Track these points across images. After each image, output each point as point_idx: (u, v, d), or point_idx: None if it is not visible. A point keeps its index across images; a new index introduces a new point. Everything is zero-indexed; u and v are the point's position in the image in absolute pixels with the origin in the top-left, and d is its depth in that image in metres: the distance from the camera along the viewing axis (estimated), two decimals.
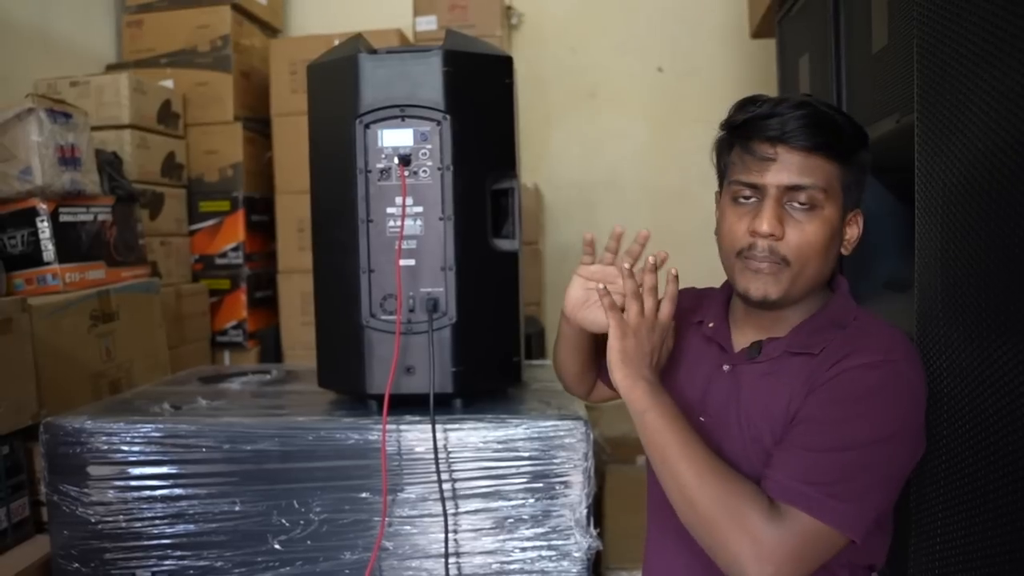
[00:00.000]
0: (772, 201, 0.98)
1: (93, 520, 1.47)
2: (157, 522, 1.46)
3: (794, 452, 0.94)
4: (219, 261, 3.09)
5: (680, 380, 1.13)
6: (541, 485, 1.40)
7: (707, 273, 1.16)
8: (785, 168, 0.97)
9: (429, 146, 1.42)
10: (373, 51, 1.45)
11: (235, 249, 3.08)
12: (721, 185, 1.09)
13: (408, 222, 1.43)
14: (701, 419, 1.07)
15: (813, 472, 0.91)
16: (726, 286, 1.14)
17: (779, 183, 0.97)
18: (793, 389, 0.99)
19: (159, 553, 1.46)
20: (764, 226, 0.97)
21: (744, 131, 1.00)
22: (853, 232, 1.04)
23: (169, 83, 3.03)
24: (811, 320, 1.03)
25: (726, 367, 1.07)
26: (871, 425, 0.93)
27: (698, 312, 1.16)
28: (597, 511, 1.53)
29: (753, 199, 1.00)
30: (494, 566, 1.42)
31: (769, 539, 0.88)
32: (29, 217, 2.03)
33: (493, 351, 1.51)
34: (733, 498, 0.90)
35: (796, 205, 0.98)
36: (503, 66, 1.51)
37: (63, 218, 2.08)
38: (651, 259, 1.04)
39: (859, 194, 1.03)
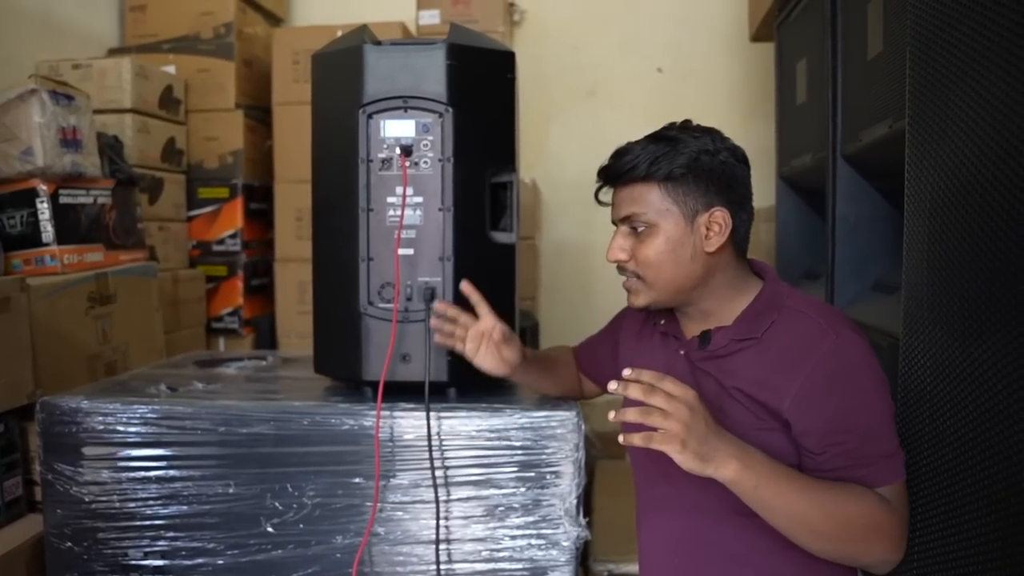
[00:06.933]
0: (618, 233, 1.16)
1: (87, 500, 1.47)
2: (151, 502, 1.47)
3: (849, 450, 1.03)
4: (217, 248, 3.10)
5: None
6: (532, 474, 1.42)
7: None
8: (619, 204, 1.16)
9: (431, 137, 1.44)
10: (377, 42, 1.46)
11: (233, 236, 3.09)
12: None
13: (408, 212, 1.44)
14: None
15: (869, 449, 1.03)
16: None
17: (617, 217, 1.16)
18: (748, 374, 1.09)
19: (152, 533, 1.47)
20: (609, 255, 1.16)
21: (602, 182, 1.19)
22: (713, 229, 1.12)
23: (171, 69, 3.04)
24: (751, 307, 1.13)
25: (681, 352, 1.19)
26: (868, 392, 1.04)
27: (654, 316, 1.27)
28: (586, 505, 1.55)
29: None
30: (484, 553, 1.44)
31: (896, 526, 1.02)
32: (29, 198, 2.04)
33: None
34: (861, 516, 1.01)
35: (636, 229, 1.14)
36: (506, 61, 1.53)
37: (63, 200, 2.09)
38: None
39: (704, 198, 1.11)
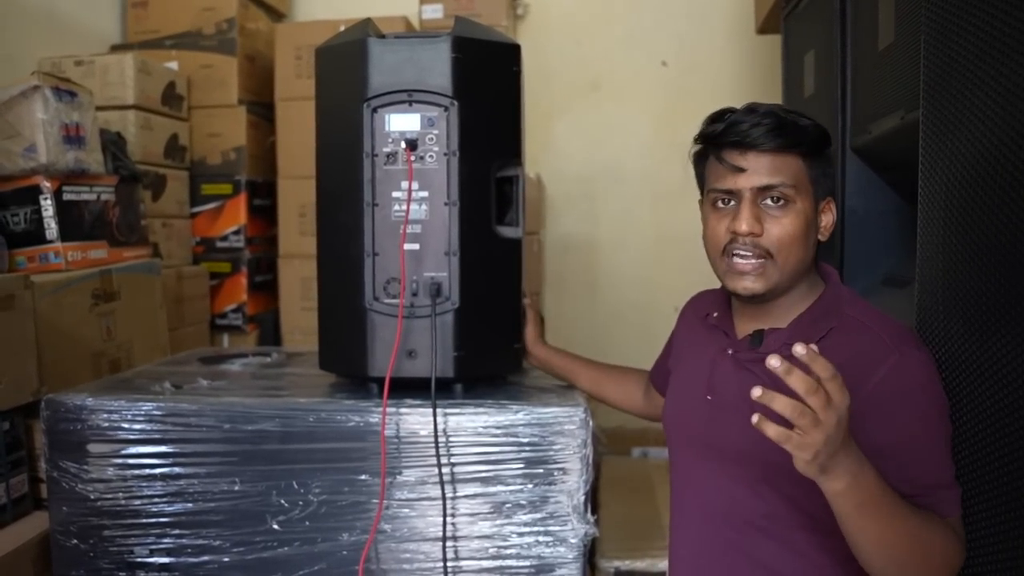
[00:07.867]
0: (748, 203, 1.05)
1: (92, 497, 1.47)
2: (156, 500, 1.46)
3: (908, 478, 0.97)
4: (220, 244, 3.09)
5: (689, 364, 1.23)
6: (539, 471, 1.41)
7: (706, 266, 1.18)
8: (755, 171, 1.04)
9: (436, 131, 1.43)
10: (382, 36, 1.45)
11: (236, 232, 3.08)
12: (702, 193, 1.16)
13: (413, 206, 1.43)
14: (708, 398, 1.14)
15: (929, 479, 0.98)
16: None
17: (752, 185, 1.05)
18: None
19: (157, 531, 1.46)
20: (743, 226, 1.04)
21: (715, 142, 1.08)
22: (828, 219, 1.10)
23: (174, 65, 3.02)
24: (809, 311, 1.09)
25: (730, 351, 1.13)
26: (928, 419, 1.00)
27: (706, 307, 1.23)
28: (592, 501, 1.54)
29: (731, 203, 1.08)
30: (491, 550, 1.43)
31: (958, 567, 0.97)
32: (32, 195, 2.03)
33: (495, 337, 1.52)
34: (942, 554, 0.95)
35: (770, 203, 1.05)
36: (511, 54, 1.51)
37: (66, 196, 2.08)
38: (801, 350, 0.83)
39: (829, 184, 1.09)
